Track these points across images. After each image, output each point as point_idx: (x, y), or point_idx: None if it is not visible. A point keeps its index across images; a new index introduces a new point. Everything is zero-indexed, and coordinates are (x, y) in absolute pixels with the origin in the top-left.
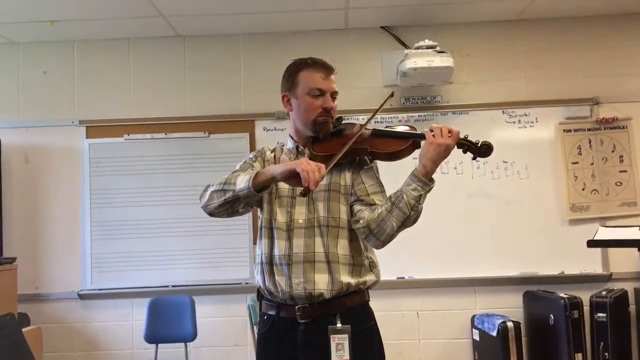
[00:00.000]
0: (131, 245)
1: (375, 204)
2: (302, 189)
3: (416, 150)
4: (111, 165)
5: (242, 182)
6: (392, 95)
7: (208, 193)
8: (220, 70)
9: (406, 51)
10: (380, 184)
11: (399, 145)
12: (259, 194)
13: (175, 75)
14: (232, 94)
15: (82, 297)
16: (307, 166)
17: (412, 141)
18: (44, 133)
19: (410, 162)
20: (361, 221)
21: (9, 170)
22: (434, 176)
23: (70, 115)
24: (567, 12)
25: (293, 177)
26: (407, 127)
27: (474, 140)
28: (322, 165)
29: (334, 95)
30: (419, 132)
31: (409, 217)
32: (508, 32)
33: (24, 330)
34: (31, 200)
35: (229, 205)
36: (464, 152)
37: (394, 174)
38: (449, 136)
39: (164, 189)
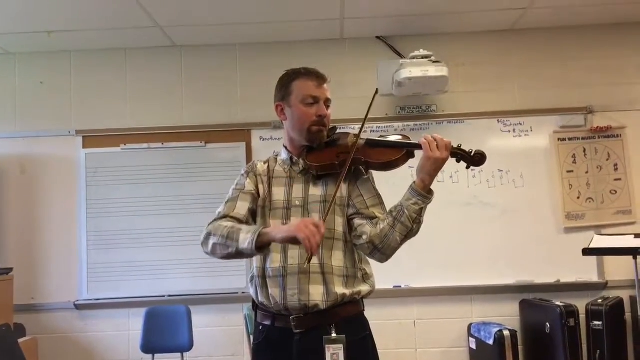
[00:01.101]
0: (128, 255)
1: (375, 217)
2: (307, 257)
3: (410, 160)
4: (108, 175)
5: (245, 241)
6: (376, 92)
7: (210, 244)
8: (216, 80)
9: (401, 61)
10: (379, 196)
11: (393, 155)
12: (260, 253)
13: (172, 85)
14: (228, 103)
15: (78, 307)
16: (305, 231)
17: (406, 151)
18: (41, 143)
19: (407, 170)
20: (364, 237)
21: (5, 180)
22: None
23: (67, 125)
24: (560, 22)
25: (293, 241)
26: (400, 137)
27: (467, 150)
28: (321, 223)
29: (327, 103)
30: (413, 142)
31: (412, 230)
32: (502, 42)
33: (20, 340)
34: (28, 211)
35: (232, 257)
36: (458, 161)
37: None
38: (444, 148)
39: (161, 199)
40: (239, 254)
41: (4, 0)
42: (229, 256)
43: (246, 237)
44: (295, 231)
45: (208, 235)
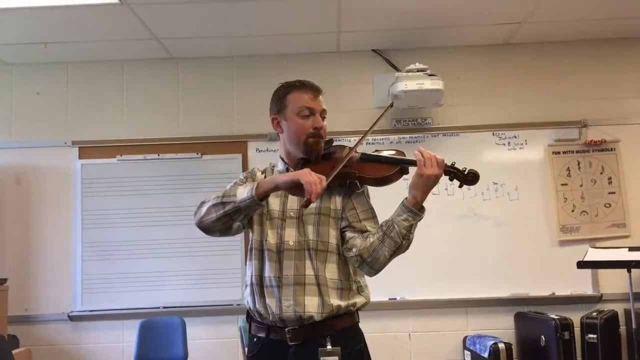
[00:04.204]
0: (122, 266)
1: (367, 231)
2: (304, 200)
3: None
4: (104, 186)
5: (244, 192)
6: (391, 105)
7: (205, 208)
8: (213, 91)
9: (397, 74)
10: (372, 210)
11: (387, 170)
12: (261, 203)
13: (169, 96)
14: (225, 115)
15: (72, 318)
16: (310, 177)
17: (400, 167)
18: (37, 154)
19: (403, 184)
20: (354, 249)
21: (0, 190)
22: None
23: (63, 136)
24: (555, 36)
25: (296, 187)
26: (394, 152)
27: (460, 168)
28: (323, 177)
29: (323, 114)
30: (408, 158)
31: (401, 246)
32: (497, 56)
33: (13, 352)
34: (22, 221)
35: (228, 218)
36: (451, 179)
37: (386, 197)
38: (437, 165)
39: (156, 210)
40: (236, 211)
41: (1, 12)
42: (224, 216)
43: (245, 189)
44: (299, 175)
45: (202, 203)
